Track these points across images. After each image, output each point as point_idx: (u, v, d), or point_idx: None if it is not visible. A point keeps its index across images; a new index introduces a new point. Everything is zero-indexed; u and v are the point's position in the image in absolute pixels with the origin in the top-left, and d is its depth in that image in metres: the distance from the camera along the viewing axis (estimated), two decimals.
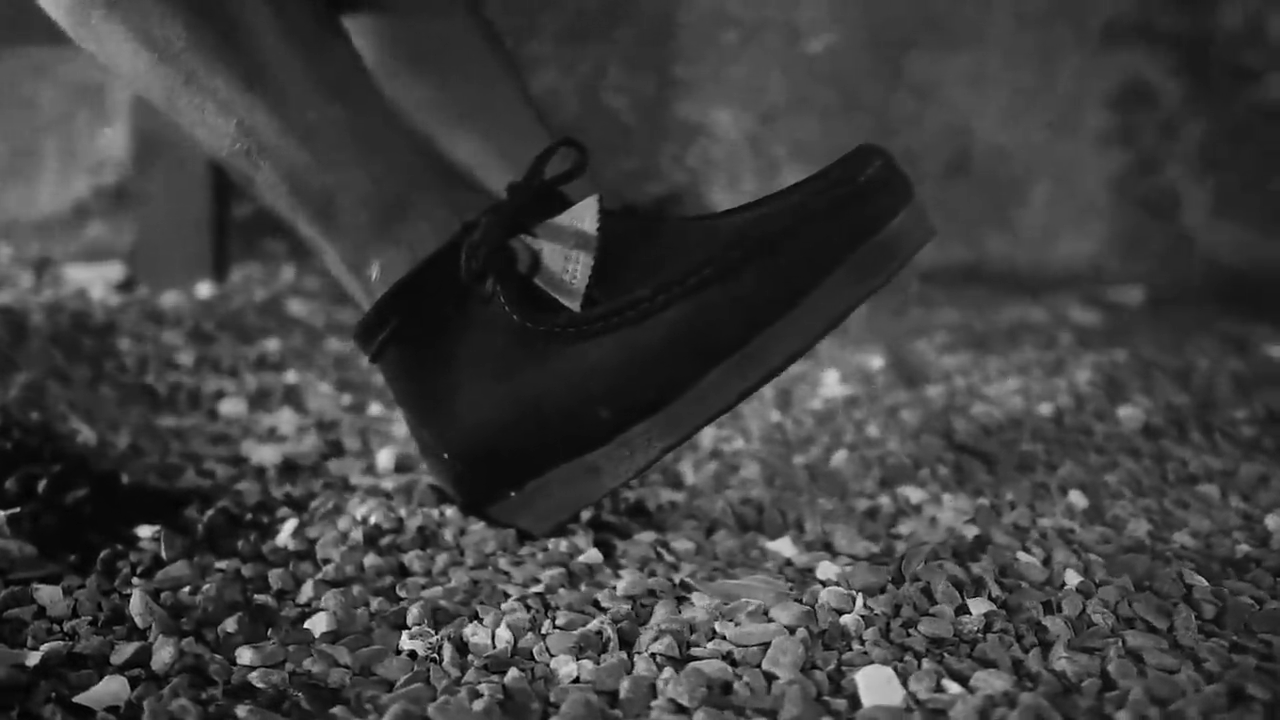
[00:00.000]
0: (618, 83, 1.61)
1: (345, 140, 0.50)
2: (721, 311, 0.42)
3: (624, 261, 0.45)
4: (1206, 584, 0.46)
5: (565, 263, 0.45)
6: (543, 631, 0.44)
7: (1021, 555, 0.49)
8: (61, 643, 0.42)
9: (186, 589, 0.47)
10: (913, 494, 0.60)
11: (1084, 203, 1.56)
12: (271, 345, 0.96)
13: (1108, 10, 1.52)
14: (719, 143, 1.62)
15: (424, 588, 0.49)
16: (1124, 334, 1.12)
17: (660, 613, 0.44)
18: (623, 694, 0.38)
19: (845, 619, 0.42)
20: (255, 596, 0.47)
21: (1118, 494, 0.59)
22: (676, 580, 0.48)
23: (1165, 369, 0.91)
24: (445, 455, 0.52)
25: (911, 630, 0.42)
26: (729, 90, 1.61)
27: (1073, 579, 0.46)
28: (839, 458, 0.66)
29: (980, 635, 0.42)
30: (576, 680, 0.40)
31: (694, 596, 0.46)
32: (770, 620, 0.42)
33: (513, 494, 0.51)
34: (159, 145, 1.06)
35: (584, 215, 0.45)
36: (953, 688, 0.37)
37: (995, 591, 0.45)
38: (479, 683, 0.39)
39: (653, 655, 0.40)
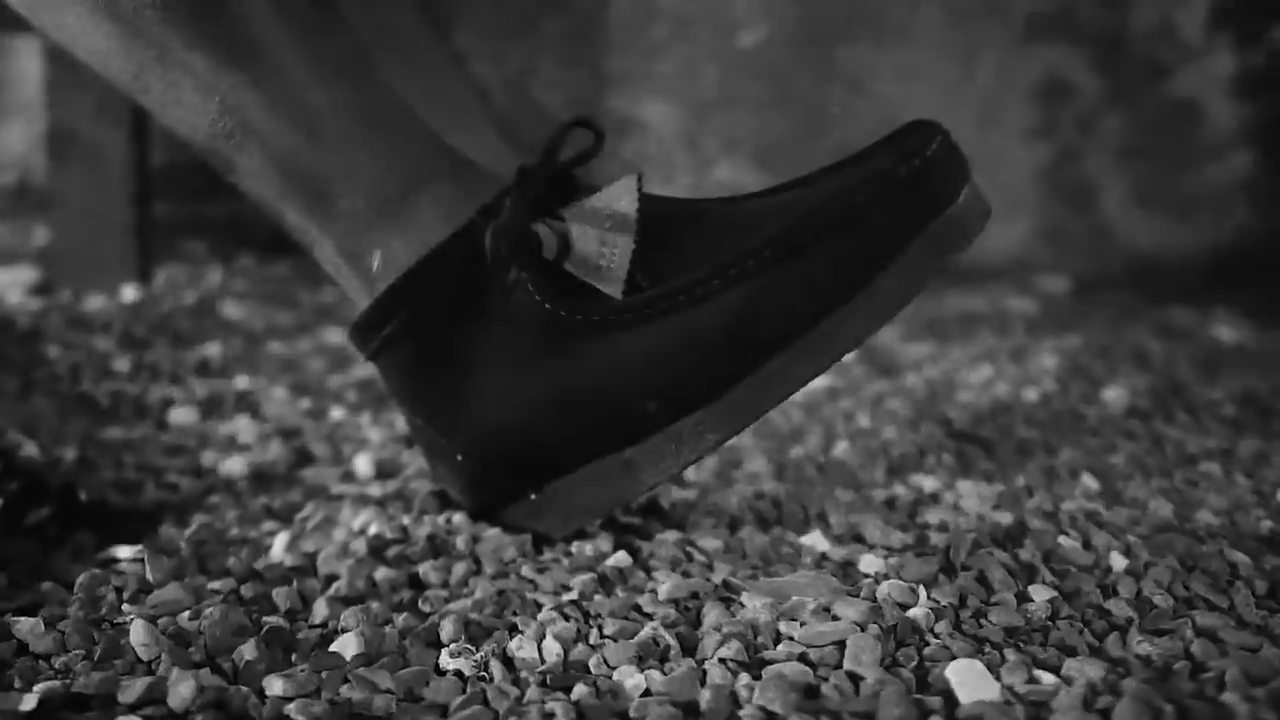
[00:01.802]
0: (548, 76, 1.58)
1: (345, 120, 0.46)
2: (788, 293, 0.39)
3: (667, 244, 0.42)
4: (1249, 560, 0.46)
5: (601, 246, 0.42)
6: (592, 642, 0.41)
7: (1063, 540, 0.48)
8: (57, 682, 0.37)
9: (186, 614, 0.42)
10: (925, 482, 0.59)
11: (1010, 194, 1.59)
12: (212, 350, 0.90)
13: (1030, 7, 1.56)
14: (652, 137, 1.60)
15: (447, 600, 0.45)
16: (1065, 321, 1.14)
17: (712, 615, 0.42)
18: (704, 705, 0.35)
19: (913, 612, 0.40)
20: (264, 619, 0.43)
21: (1128, 475, 0.59)
22: (717, 581, 0.46)
23: (1122, 354, 0.92)
24: (459, 457, 0.48)
25: (982, 621, 0.41)
26: (661, 84, 1.59)
27: (1119, 561, 0.46)
28: (841, 449, 0.65)
29: (1050, 622, 0.41)
30: (647, 692, 0.37)
31: (743, 597, 0.43)
32: (835, 618, 0.40)
33: (532, 495, 0.48)
34: (75, 141, 0.99)
35: (620, 196, 0.43)
36: (1046, 678, 0.36)
37: (1048, 577, 0.44)
38: (544, 700, 0.36)
39: (722, 661, 0.38)
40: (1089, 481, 0.57)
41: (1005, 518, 0.51)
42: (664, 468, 0.44)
